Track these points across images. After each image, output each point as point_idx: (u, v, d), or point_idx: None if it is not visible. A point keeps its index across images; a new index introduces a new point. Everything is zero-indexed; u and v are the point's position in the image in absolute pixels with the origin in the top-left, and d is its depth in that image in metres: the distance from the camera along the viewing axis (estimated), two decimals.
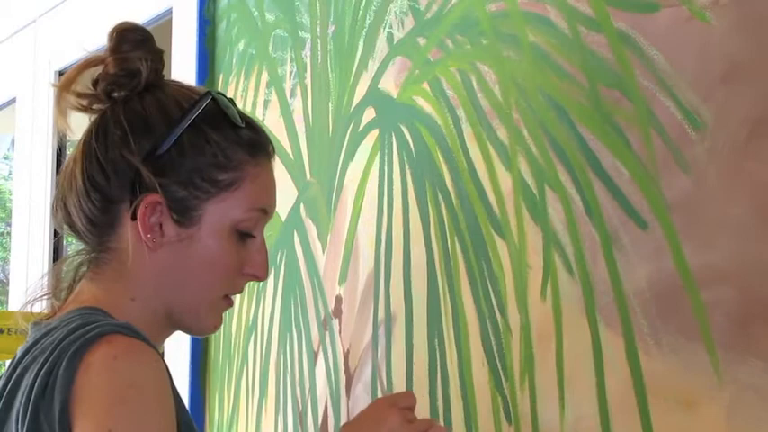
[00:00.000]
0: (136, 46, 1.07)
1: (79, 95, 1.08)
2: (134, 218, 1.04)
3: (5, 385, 1.00)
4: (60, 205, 1.09)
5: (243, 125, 1.08)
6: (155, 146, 1.04)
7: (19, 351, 1.03)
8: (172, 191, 1.04)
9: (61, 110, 1.08)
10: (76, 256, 1.10)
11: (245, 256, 1.08)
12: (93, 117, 1.08)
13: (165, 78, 1.10)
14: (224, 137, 1.06)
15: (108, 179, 1.04)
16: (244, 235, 1.08)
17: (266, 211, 1.09)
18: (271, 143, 1.12)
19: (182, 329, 1.11)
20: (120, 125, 1.05)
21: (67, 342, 0.94)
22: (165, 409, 0.92)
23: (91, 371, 0.91)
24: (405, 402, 1.08)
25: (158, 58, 1.08)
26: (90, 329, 0.94)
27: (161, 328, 1.08)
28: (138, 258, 1.05)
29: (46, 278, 1.12)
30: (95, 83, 1.08)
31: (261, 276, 1.10)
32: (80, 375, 0.91)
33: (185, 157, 1.05)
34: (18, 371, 0.99)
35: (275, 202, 1.12)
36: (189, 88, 1.10)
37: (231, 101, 1.10)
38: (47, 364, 0.93)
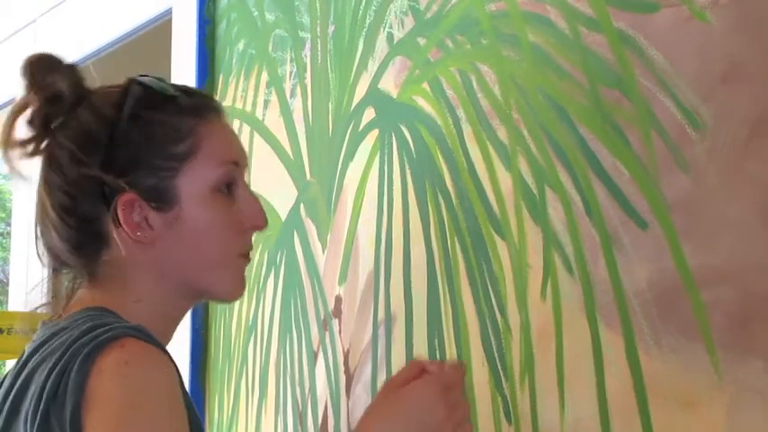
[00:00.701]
0: (48, 70, 1.09)
1: (23, 144, 1.08)
2: (118, 224, 1.04)
3: (12, 384, 0.99)
4: (44, 251, 1.09)
5: (177, 93, 1.09)
6: (106, 151, 1.04)
7: (27, 349, 1.02)
8: (140, 183, 1.05)
9: (12, 165, 1.08)
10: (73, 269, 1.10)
11: (239, 213, 1.09)
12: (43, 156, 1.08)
13: (89, 87, 1.10)
14: (165, 113, 1.07)
15: (76, 200, 1.05)
16: (227, 190, 1.08)
17: (237, 162, 1.10)
18: (213, 99, 1.13)
19: (209, 300, 1.10)
20: (65, 148, 1.05)
21: (79, 344, 0.93)
22: (176, 414, 0.92)
23: (103, 376, 0.91)
24: (454, 386, 1.03)
25: (74, 72, 1.09)
26: (103, 332, 0.94)
27: (172, 323, 1.09)
28: (137, 260, 1.05)
29: (43, 286, 1.12)
30: (31, 122, 1.08)
31: (261, 225, 1.11)
32: (92, 379, 0.90)
33: (139, 148, 1.05)
34: (27, 371, 0.98)
35: (242, 151, 1.13)
36: (114, 86, 1.10)
37: (158, 77, 1.10)
38: (58, 366, 0.93)
